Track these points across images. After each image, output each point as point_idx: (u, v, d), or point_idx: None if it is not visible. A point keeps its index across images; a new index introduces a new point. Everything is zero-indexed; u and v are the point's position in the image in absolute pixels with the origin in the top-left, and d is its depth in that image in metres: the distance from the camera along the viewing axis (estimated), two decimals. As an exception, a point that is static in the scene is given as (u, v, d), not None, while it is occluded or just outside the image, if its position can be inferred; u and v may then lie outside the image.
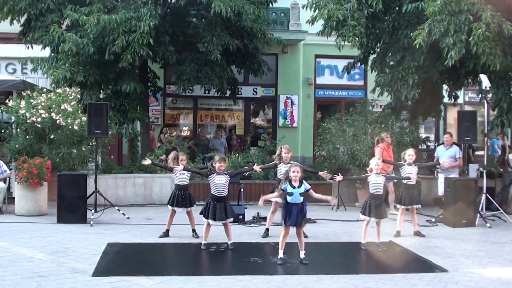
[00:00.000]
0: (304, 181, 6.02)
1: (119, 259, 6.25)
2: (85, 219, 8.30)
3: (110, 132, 10.04)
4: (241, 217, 8.56)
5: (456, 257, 6.48)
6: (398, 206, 7.97)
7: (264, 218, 8.46)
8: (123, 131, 11.63)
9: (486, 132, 9.61)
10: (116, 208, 9.03)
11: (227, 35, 11.12)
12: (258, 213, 8.75)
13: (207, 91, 13.50)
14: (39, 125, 9.60)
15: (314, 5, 10.29)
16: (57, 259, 6.00)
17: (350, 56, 12.37)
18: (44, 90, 10.40)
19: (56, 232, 7.55)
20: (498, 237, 7.90)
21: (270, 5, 12.75)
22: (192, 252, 6.68)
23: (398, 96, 10.74)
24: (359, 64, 12.41)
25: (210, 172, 6.63)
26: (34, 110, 9.61)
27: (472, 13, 8.84)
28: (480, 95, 11.64)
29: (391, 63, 11.06)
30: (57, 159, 9.53)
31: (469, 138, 9.41)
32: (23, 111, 9.62)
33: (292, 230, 6.04)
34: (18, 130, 10.09)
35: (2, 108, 10.17)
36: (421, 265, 6.13)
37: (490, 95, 9.73)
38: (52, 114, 9.57)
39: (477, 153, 14.44)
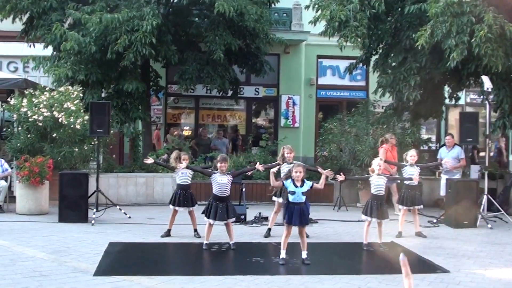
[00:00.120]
0: (305, 180, 6.01)
1: (121, 258, 6.24)
2: (86, 218, 8.29)
3: (111, 131, 10.04)
4: (242, 217, 8.56)
5: (458, 258, 6.48)
6: (400, 206, 7.98)
7: (266, 218, 8.47)
8: (124, 130, 11.64)
9: (487, 133, 9.60)
10: (118, 207, 9.03)
11: (230, 35, 11.13)
12: (259, 213, 8.76)
13: (209, 91, 13.50)
14: (41, 124, 9.59)
15: (316, 6, 10.29)
16: (58, 258, 5.99)
17: (352, 56, 12.38)
18: (47, 88, 10.40)
19: (58, 231, 7.55)
20: (499, 238, 7.91)
21: (273, 5, 12.75)
22: (194, 252, 6.68)
23: (400, 97, 10.74)
24: (361, 64, 12.41)
25: (214, 172, 6.63)
26: (36, 108, 9.60)
27: (474, 14, 8.84)
28: (482, 97, 11.64)
29: (393, 64, 11.06)
30: (59, 158, 9.52)
31: (471, 140, 9.42)
32: (25, 109, 9.61)
33: (294, 230, 6.03)
34: (19, 128, 10.07)
35: (4, 106, 10.16)
36: (422, 265, 6.13)
37: (492, 97, 9.72)
38: (54, 112, 9.57)
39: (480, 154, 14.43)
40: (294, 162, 6.77)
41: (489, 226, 8.59)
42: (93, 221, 8.17)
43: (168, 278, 5.32)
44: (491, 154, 14.26)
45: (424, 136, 14.21)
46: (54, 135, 9.66)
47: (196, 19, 12.36)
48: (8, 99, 10.10)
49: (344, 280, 5.39)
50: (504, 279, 5.61)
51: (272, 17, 13.60)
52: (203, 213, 6.72)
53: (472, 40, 8.71)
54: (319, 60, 15.77)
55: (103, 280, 5.19)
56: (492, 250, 7.00)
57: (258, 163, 7.09)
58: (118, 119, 10.93)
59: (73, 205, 8.29)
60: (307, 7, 10.64)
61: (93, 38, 10.16)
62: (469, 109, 16.14)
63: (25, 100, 9.73)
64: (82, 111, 9.90)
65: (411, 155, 7.76)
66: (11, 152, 10.01)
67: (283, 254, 6.01)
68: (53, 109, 9.62)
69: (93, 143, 9.90)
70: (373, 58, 11.88)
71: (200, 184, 10.36)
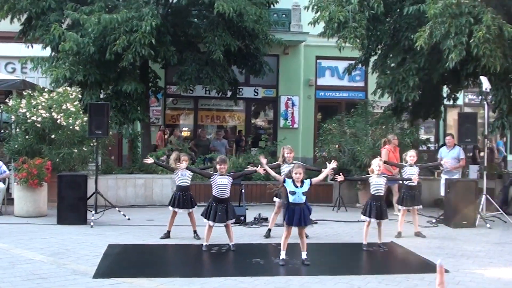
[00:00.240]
0: (304, 180, 5.99)
1: (120, 260, 6.23)
2: (85, 220, 8.26)
3: (110, 133, 10.02)
4: (242, 218, 8.55)
5: (457, 258, 6.49)
6: (399, 207, 7.98)
7: (265, 219, 8.46)
8: (123, 131, 11.61)
9: (486, 133, 9.62)
10: (117, 209, 9.00)
11: (229, 36, 11.12)
12: (259, 214, 8.75)
13: (208, 92, 13.51)
14: (39, 125, 9.56)
15: (315, 7, 10.29)
16: (57, 260, 5.97)
17: (351, 57, 12.40)
18: (46, 89, 10.37)
19: (56, 233, 7.52)
20: (498, 237, 7.92)
21: (272, 6, 12.76)
22: (193, 254, 6.66)
23: (398, 97, 10.75)
24: (360, 65, 12.43)
25: (213, 174, 6.61)
26: (35, 109, 9.57)
27: (472, 15, 8.86)
28: (480, 97, 11.66)
29: (392, 65, 11.07)
30: (57, 160, 9.49)
31: (469, 140, 9.45)
32: (24, 111, 9.57)
33: (294, 230, 6.02)
34: (17, 130, 10.05)
35: (2, 107, 10.13)
36: (422, 265, 6.13)
37: (490, 97, 9.74)
38: (53, 113, 9.54)
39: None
40: (294, 162, 6.74)
41: (488, 226, 8.61)
42: (92, 223, 8.13)
43: (168, 280, 5.31)
44: (481, 154, 14.31)
45: (423, 136, 14.24)
46: (53, 136, 9.64)
47: (195, 19, 12.35)
48: (6, 100, 10.07)
49: (344, 281, 5.38)
50: (503, 279, 5.61)
51: (271, 18, 13.62)
52: (202, 214, 6.70)
53: (471, 41, 8.72)
54: (318, 61, 15.79)
55: (102, 282, 5.17)
56: (491, 250, 7.01)
57: (259, 166, 6.62)
58: (117, 120, 10.90)
59: (72, 207, 8.26)
60: (306, 8, 10.64)
61: (91, 38, 10.14)
62: (467, 110, 16.18)
63: (23, 101, 9.70)
64: (81, 112, 9.88)
65: (411, 155, 7.77)
66: (9, 154, 9.97)
67: (283, 255, 6.00)
68: (51, 110, 9.60)
69: (92, 144, 9.88)
70: (372, 59, 11.89)
71: (199, 185, 10.34)
